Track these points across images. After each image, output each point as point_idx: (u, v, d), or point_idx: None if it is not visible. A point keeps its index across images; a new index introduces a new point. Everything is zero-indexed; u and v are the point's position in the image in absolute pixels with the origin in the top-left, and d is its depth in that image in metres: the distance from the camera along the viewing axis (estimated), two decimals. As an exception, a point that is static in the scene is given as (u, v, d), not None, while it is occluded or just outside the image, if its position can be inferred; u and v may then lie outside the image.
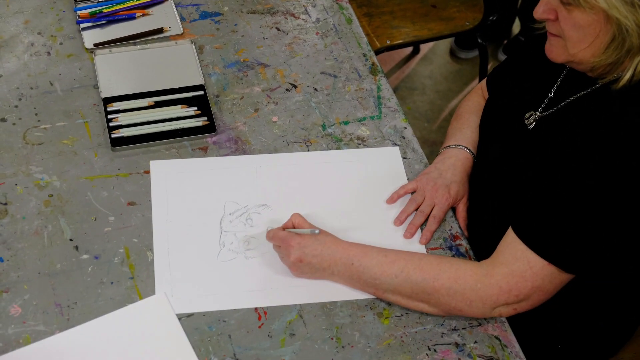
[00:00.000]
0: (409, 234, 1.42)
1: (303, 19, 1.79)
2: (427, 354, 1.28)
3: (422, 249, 1.41)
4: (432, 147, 2.79)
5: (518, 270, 1.24)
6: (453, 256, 1.41)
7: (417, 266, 1.28)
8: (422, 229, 1.43)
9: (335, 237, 1.34)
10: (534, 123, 1.38)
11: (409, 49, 3.22)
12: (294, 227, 1.36)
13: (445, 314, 1.31)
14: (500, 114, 1.46)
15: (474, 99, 1.62)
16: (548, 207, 1.25)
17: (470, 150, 1.51)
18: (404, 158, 1.55)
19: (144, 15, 1.73)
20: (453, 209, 1.48)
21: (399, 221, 1.44)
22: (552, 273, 1.24)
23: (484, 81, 1.61)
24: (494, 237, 1.33)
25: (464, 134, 1.54)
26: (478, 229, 1.47)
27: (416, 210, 1.45)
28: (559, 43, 1.26)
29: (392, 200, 1.47)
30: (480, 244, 1.43)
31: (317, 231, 1.32)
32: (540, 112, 1.38)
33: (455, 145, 1.52)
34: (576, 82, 1.33)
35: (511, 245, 1.26)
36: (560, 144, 1.29)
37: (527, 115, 1.39)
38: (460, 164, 1.49)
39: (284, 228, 1.36)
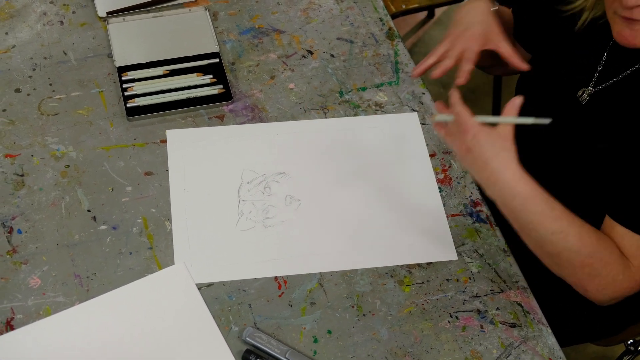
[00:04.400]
0: (438, 73, 1.40)
1: (318, -16, 1.76)
2: (448, 321, 1.28)
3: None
4: (448, 112, 2.76)
5: None
6: (474, 222, 1.39)
7: (578, 233, 1.19)
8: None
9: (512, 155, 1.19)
10: (588, 98, 1.33)
11: (424, 13, 3.18)
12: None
13: (567, 282, 1.26)
14: (543, 89, 1.42)
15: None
16: None
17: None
18: (422, 124, 1.53)
19: (156, -18, 1.71)
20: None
21: (416, 72, 1.42)
22: None
23: None
24: None
25: None
26: None
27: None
28: None
29: (416, 72, 1.43)
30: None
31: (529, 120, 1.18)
32: (592, 87, 1.33)
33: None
34: (630, 54, 1.27)
35: (628, 237, 1.22)
36: (626, 118, 1.25)
37: (580, 92, 1.34)
38: (486, 9, 1.43)
39: None
